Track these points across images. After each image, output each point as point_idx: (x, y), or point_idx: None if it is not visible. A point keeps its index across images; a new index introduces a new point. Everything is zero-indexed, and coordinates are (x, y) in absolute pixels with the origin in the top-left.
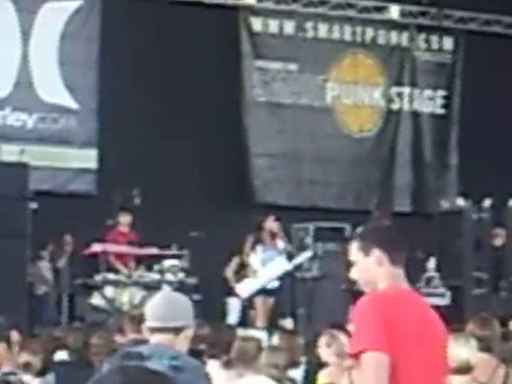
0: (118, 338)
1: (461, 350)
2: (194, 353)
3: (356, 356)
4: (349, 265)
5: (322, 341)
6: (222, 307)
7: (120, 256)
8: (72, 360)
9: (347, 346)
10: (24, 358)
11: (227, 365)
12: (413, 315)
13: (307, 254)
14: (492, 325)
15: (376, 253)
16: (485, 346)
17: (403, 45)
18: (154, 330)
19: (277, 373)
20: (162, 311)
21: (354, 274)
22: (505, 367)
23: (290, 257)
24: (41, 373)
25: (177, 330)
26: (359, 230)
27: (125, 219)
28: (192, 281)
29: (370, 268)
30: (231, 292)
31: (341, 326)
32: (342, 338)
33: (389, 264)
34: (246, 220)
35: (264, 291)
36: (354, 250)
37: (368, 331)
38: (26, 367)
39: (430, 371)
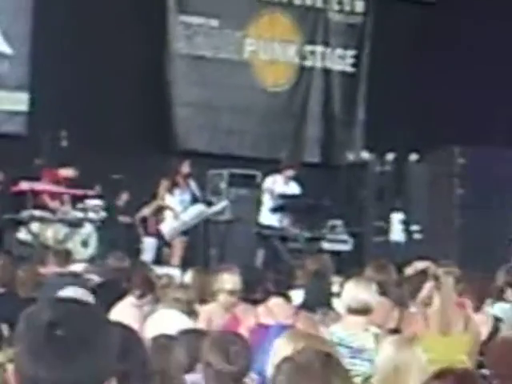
0: (42, 270)
1: (361, 291)
2: (114, 283)
3: None
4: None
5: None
6: (137, 245)
7: (48, 194)
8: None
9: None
10: None
11: (140, 297)
12: None
13: (224, 204)
14: (388, 270)
15: None
16: (381, 291)
17: (317, 6)
18: None
19: (186, 308)
20: None
21: None
22: (398, 311)
23: (208, 203)
24: None
25: None
26: None
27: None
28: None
29: None
30: (147, 232)
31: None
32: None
33: None
34: (168, 166)
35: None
36: None
37: None
38: None
39: None
